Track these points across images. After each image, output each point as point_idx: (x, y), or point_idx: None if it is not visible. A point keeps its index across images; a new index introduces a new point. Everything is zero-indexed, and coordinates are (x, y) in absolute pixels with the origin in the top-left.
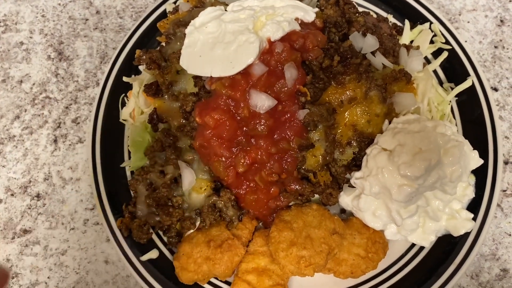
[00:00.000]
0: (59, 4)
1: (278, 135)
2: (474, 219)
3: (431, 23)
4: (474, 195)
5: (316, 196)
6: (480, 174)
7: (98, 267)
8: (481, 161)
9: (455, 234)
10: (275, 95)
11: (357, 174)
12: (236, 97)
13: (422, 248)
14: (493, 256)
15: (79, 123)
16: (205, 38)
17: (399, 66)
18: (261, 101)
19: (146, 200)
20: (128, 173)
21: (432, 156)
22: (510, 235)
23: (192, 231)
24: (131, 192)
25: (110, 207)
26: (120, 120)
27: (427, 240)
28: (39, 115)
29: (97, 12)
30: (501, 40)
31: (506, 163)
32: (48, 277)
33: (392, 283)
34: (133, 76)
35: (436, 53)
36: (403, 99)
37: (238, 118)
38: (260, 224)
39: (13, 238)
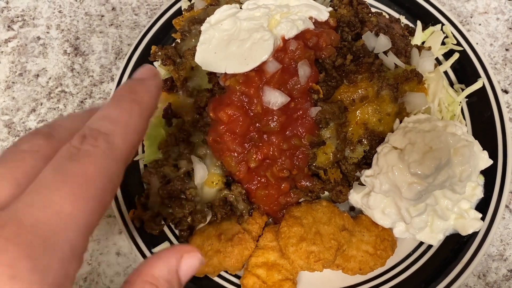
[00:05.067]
0: (76, 0)
1: (290, 131)
2: (483, 219)
3: (442, 24)
4: (483, 195)
5: (326, 193)
6: (489, 174)
7: (110, 259)
8: (491, 162)
9: (463, 233)
10: (288, 92)
11: (367, 172)
12: (249, 94)
13: (430, 246)
14: (500, 257)
15: None
16: (220, 35)
17: (411, 66)
18: (274, 98)
19: (159, 191)
20: (141, 167)
21: (442, 155)
22: None
23: (203, 224)
24: (144, 184)
25: (123, 200)
26: None
27: (435, 238)
28: (55, 109)
29: (113, 8)
30: None
31: None
32: None
33: (400, 281)
34: None
35: (447, 55)
36: (414, 99)
37: (251, 114)
38: (270, 219)
39: None
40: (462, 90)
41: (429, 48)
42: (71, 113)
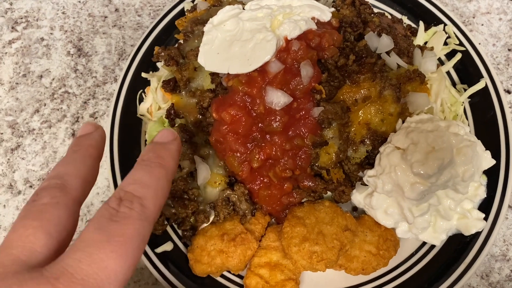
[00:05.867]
0: (79, 2)
1: (292, 131)
2: (486, 219)
3: (445, 25)
4: (485, 195)
5: (329, 193)
6: (492, 174)
7: None
8: (493, 162)
9: (466, 233)
10: (291, 92)
11: (370, 172)
12: (252, 94)
13: (432, 246)
14: (503, 257)
15: (96, 117)
16: (223, 36)
17: (413, 67)
18: (277, 98)
19: None
20: None
21: (445, 155)
22: None
23: (206, 225)
24: None
25: None
26: (138, 115)
27: (438, 238)
28: (58, 110)
29: (116, 10)
30: None
31: None
32: None
33: (403, 281)
34: (150, 72)
35: (450, 55)
36: (416, 99)
37: (254, 114)
38: (273, 219)
39: None
40: (465, 90)
41: (432, 49)
42: (69, 157)
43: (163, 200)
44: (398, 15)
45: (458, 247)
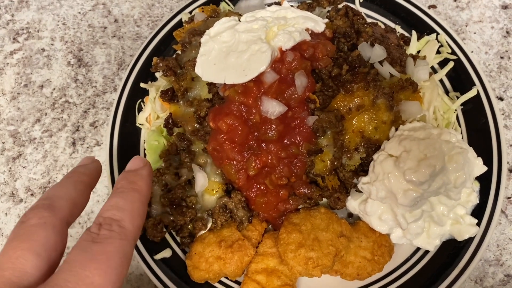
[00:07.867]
0: (79, 13)
1: (288, 140)
2: (478, 224)
3: (437, 34)
4: (478, 201)
5: (324, 200)
6: (484, 181)
7: None
8: (485, 168)
9: (459, 238)
10: (286, 101)
11: (364, 179)
12: (248, 104)
13: (426, 252)
14: (497, 262)
15: (96, 126)
16: (219, 47)
17: (406, 75)
18: (272, 108)
19: (160, 199)
20: None
21: (436, 162)
22: None
23: (204, 231)
24: None
25: None
26: (137, 124)
27: (431, 244)
28: (59, 119)
29: (115, 20)
30: (506, 51)
31: (510, 170)
32: None
33: (397, 286)
34: (149, 82)
35: (443, 63)
36: (409, 107)
37: (250, 123)
38: (270, 226)
39: None
40: (458, 98)
41: (424, 57)
42: (62, 182)
43: (140, 221)
44: (392, 25)
45: (452, 252)
